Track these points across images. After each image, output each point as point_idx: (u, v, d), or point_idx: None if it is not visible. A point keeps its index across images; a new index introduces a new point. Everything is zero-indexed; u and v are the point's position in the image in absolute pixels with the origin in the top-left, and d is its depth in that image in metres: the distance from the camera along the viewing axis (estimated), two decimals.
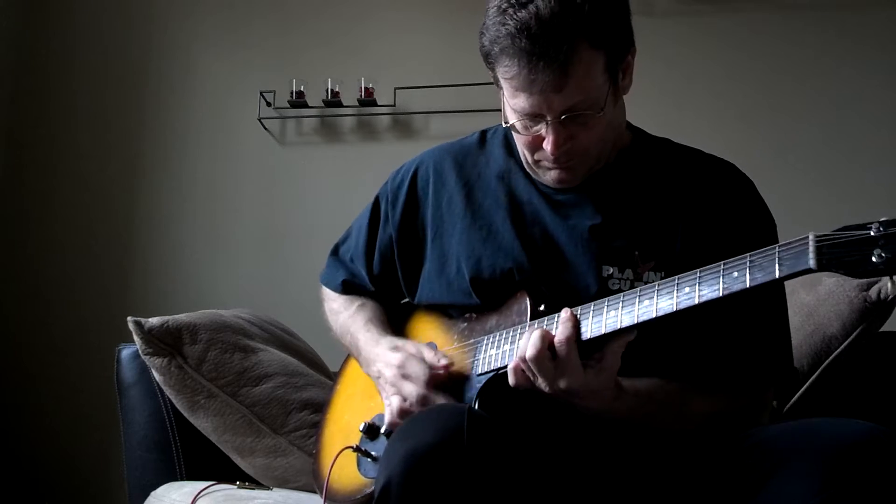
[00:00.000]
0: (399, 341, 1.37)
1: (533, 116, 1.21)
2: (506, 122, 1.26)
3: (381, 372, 1.35)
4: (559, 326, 1.12)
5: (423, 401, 1.25)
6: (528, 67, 1.15)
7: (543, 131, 1.21)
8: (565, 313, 1.13)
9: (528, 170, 1.35)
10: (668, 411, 1.20)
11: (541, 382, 1.12)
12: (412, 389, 1.26)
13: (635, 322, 1.07)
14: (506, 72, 1.19)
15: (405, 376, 1.28)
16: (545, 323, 1.17)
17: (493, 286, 1.32)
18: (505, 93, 1.23)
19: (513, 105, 1.22)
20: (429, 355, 1.29)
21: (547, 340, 1.11)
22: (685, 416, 1.21)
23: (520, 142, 1.29)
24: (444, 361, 1.27)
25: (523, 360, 1.12)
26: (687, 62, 2.86)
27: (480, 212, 1.37)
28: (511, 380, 1.15)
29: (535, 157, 1.28)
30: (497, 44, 1.18)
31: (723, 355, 1.23)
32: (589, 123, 1.21)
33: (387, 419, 1.30)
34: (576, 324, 1.11)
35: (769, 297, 1.25)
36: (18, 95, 3.21)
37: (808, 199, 2.63)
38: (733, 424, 1.20)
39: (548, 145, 1.21)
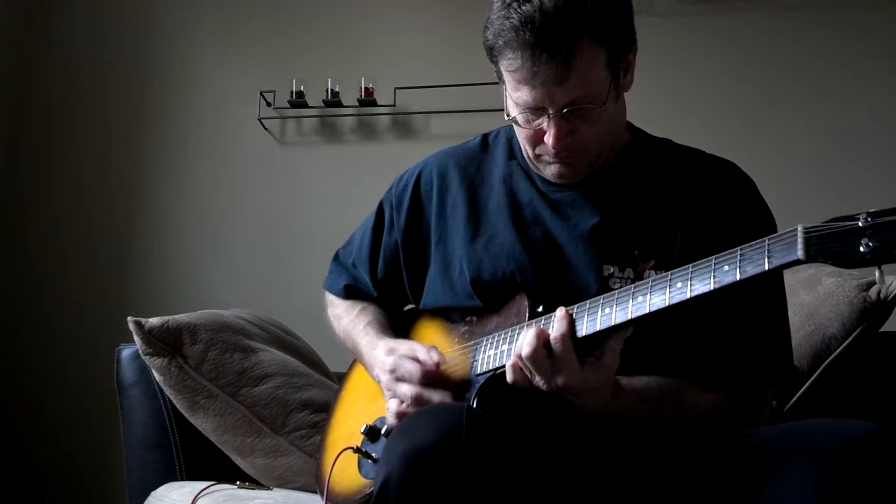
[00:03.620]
0: (394, 342, 1.37)
1: (535, 110, 1.22)
2: (508, 116, 1.27)
3: (378, 377, 1.35)
4: (554, 324, 1.13)
5: (417, 400, 1.25)
6: (532, 60, 1.16)
7: (545, 125, 1.22)
8: (560, 311, 1.14)
9: (529, 165, 1.36)
10: (666, 409, 1.20)
11: (538, 380, 1.12)
12: (406, 390, 1.27)
13: (629, 318, 1.07)
14: (509, 65, 1.20)
15: (399, 378, 1.28)
16: (542, 322, 1.18)
17: (494, 289, 1.32)
18: (507, 86, 1.24)
19: (515, 98, 1.23)
20: (421, 353, 1.29)
21: (543, 338, 1.12)
22: (684, 414, 1.21)
23: (521, 135, 1.29)
24: (435, 359, 1.27)
25: (520, 357, 1.13)
26: (687, 62, 2.86)
27: (483, 215, 1.38)
28: (509, 377, 1.16)
29: (536, 151, 1.29)
30: (501, 37, 1.19)
31: (722, 352, 1.24)
32: (590, 118, 1.22)
33: (388, 422, 1.30)
34: (570, 321, 1.12)
35: (768, 294, 1.25)
36: (18, 95, 3.21)
37: (808, 198, 2.63)
38: (733, 422, 1.21)
39: (549, 139, 1.23)
